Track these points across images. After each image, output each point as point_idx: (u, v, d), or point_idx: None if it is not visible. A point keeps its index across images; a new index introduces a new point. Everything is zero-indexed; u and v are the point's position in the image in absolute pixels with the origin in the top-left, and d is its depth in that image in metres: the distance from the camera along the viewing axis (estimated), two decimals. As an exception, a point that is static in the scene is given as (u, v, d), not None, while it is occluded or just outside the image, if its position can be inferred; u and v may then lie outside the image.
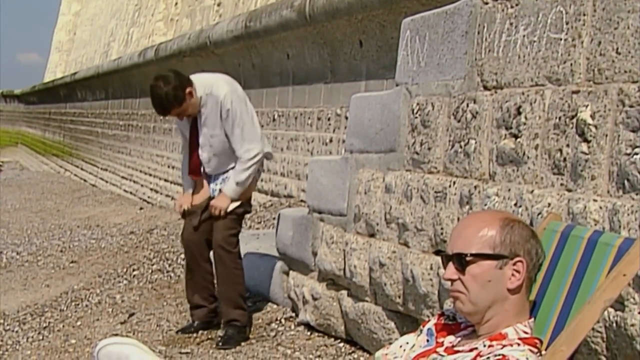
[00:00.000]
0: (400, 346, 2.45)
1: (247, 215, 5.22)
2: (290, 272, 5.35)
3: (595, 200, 2.73)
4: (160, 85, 4.96)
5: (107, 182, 21.80)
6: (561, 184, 2.93)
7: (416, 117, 3.93)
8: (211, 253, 5.23)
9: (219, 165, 5.17)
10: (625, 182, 2.63)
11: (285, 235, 5.32)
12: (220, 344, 4.99)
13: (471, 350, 2.22)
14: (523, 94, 3.16)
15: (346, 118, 7.10)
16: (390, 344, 2.55)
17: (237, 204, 5.13)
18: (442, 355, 2.27)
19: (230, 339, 5.01)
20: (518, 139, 3.17)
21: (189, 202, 5.26)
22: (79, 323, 6.26)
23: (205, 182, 5.24)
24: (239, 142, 5.06)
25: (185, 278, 5.47)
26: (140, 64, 18.08)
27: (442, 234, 3.61)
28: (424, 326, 2.44)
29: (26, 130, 45.23)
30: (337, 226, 4.66)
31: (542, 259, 2.30)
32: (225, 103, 5.03)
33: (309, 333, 5.00)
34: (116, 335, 5.38)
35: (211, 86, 5.09)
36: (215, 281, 5.33)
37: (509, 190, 3.19)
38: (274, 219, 7.47)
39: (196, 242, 5.22)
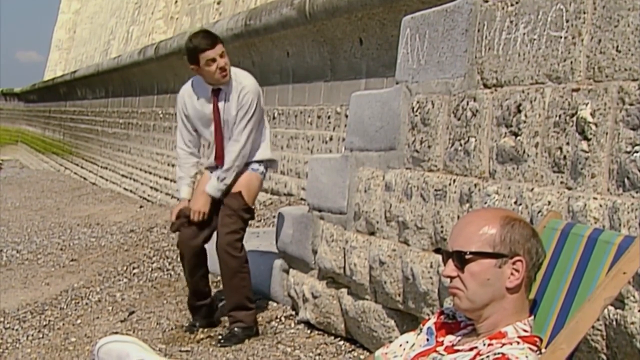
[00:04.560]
0: (400, 345, 2.45)
1: (247, 215, 5.19)
2: (290, 270, 5.35)
3: (595, 199, 2.73)
4: (194, 33, 5.25)
5: (107, 180, 21.79)
6: (561, 182, 2.93)
7: (416, 115, 3.93)
8: (208, 256, 5.22)
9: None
10: (625, 180, 2.62)
11: (285, 233, 5.32)
12: (222, 341, 4.99)
13: (471, 349, 2.22)
14: (523, 92, 3.16)
15: (346, 116, 7.09)
16: (390, 342, 2.55)
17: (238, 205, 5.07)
18: (442, 355, 2.27)
19: (233, 336, 5.00)
20: (518, 137, 3.17)
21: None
22: (79, 321, 6.26)
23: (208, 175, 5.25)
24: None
25: (187, 282, 5.48)
26: (140, 62, 18.07)
27: (442, 232, 3.61)
28: (423, 325, 2.44)
29: (26, 129, 45.20)
30: (337, 224, 4.66)
31: (543, 258, 2.30)
32: (248, 95, 5.04)
33: (309, 331, 5.00)
34: (116, 333, 5.38)
35: (235, 73, 5.10)
36: (210, 282, 5.35)
37: (509, 188, 3.19)
38: (274, 217, 7.47)
39: (194, 247, 5.19)
